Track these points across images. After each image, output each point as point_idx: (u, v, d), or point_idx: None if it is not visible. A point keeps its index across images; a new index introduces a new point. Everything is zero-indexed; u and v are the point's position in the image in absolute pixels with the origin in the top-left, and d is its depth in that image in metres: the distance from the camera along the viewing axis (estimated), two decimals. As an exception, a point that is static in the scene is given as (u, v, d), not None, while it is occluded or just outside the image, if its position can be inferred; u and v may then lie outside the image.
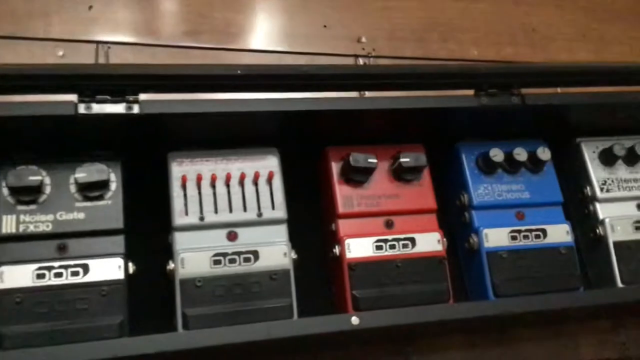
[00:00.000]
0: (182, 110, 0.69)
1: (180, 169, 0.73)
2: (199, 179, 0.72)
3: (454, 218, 0.85)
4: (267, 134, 0.79)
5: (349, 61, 0.96)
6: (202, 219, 0.72)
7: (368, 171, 0.78)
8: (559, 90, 0.94)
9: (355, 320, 0.65)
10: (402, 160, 0.79)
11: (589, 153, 0.88)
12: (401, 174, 0.80)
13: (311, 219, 0.81)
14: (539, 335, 0.85)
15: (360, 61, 0.96)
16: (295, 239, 0.75)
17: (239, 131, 0.77)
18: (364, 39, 0.98)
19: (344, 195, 0.78)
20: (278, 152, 0.77)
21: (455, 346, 0.83)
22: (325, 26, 0.97)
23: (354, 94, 0.86)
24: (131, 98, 0.66)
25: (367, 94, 0.87)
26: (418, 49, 0.99)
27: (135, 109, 0.66)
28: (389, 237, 0.77)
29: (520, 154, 0.82)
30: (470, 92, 0.78)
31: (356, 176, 0.78)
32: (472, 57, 1.01)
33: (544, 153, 0.83)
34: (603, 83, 0.85)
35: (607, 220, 0.84)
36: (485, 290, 0.78)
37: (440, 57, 0.99)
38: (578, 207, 0.89)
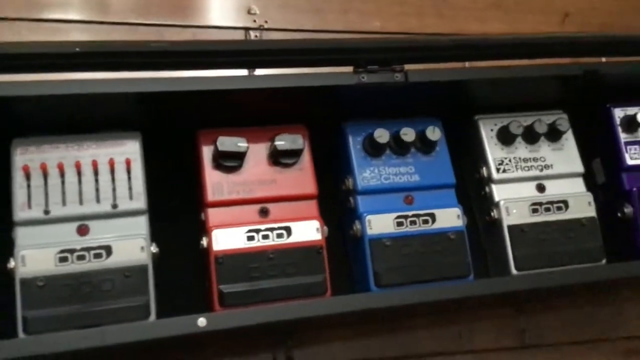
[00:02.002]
0: (17, 93, 0.62)
1: (24, 158, 0.67)
2: (43, 168, 0.66)
3: (342, 204, 0.80)
4: (130, 117, 0.73)
5: (239, 34, 0.89)
6: (47, 212, 0.65)
7: (238, 156, 0.72)
8: (467, 64, 0.89)
9: (202, 322, 0.60)
10: (277, 143, 0.73)
11: (487, 131, 0.83)
12: (278, 158, 0.74)
13: (187, 209, 0.75)
14: (431, 323, 0.81)
15: (252, 34, 0.90)
16: (167, 231, 0.71)
17: (97, 115, 0.71)
18: (255, 9, 0.91)
19: (213, 182, 0.72)
20: (141, 137, 0.71)
21: (340, 337, 0.79)
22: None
23: (241, 72, 0.80)
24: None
25: (258, 71, 0.81)
26: (314, 20, 0.93)
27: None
28: (262, 227, 0.71)
29: (408, 134, 0.77)
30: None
31: (226, 161, 0.72)
32: (373, 30, 0.95)
33: (434, 133, 0.78)
34: (506, 56, 0.81)
35: (501, 203, 0.80)
36: (368, 281, 0.74)
37: (338, 30, 0.93)
38: (476, 189, 0.85)
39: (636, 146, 0.85)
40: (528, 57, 0.81)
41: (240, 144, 0.71)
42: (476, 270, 0.81)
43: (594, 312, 0.87)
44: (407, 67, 0.73)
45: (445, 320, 0.82)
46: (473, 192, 0.86)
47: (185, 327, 0.60)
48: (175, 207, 0.76)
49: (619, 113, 0.86)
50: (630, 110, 0.85)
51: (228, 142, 0.71)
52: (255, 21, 0.90)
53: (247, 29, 0.90)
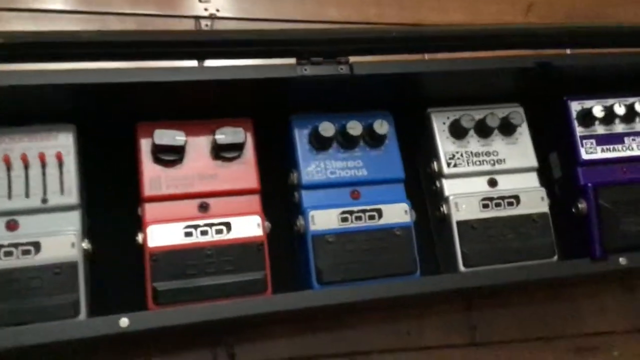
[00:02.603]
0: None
1: (-50, 151, 0.65)
2: (-31, 162, 0.64)
3: (288, 199, 0.78)
4: (66, 110, 0.71)
5: (189, 24, 0.87)
6: (-27, 207, 0.64)
7: (176, 149, 0.70)
8: (426, 57, 0.87)
9: (124, 322, 0.59)
10: (217, 137, 0.71)
11: (439, 125, 0.82)
12: (219, 152, 0.72)
13: (127, 204, 0.74)
14: (378, 319, 0.80)
15: (202, 24, 0.88)
16: (106, 227, 0.71)
17: (33, 107, 0.69)
18: (206, -3, 0.89)
19: (151, 176, 0.70)
20: (75, 130, 0.69)
21: (285, 333, 0.77)
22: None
23: (189, 63, 0.78)
24: None
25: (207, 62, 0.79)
26: (269, 9, 0.91)
27: None
28: (201, 222, 0.70)
29: (355, 128, 0.75)
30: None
31: (164, 155, 0.70)
32: (330, 19, 0.92)
33: (382, 126, 0.76)
34: (460, 48, 0.79)
35: (451, 198, 0.78)
36: (310, 278, 0.72)
37: (293, 19, 0.90)
38: (428, 184, 0.83)
39: (592, 140, 0.83)
40: (485, 49, 0.79)
41: (178, 137, 0.69)
42: (427, 266, 0.80)
43: (548, 309, 0.86)
44: (356, 59, 0.72)
45: (393, 317, 0.81)
46: (425, 187, 0.84)
47: (107, 328, 0.59)
48: (116, 201, 0.74)
49: (575, 106, 0.84)
50: (587, 104, 0.84)
51: (165, 136, 0.69)
52: (206, 9, 0.88)
53: (197, 18, 0.88)
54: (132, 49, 0.67)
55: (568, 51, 0.90)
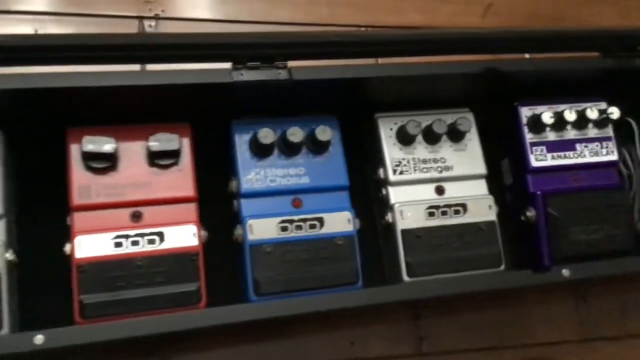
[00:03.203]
0: None
1: None
2: None
3: (228, 207, 0.76)
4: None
5: (132, 25, 0.84)
6: None
7: (106, 157, 0.68)
8: (379, 61, 0.85)
9: (39, 339, 0.56)
10: (150, 144, 0.69)
11: (386, 131, 0.80)
12: (154, 159, 0.70)
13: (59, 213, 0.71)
14: (321, 329, 0.78)
15: (146, 24, 0.85)
16: (36, 237, 0.69)
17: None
18: (151, -4, 0.86)
19: (80, 184, 0.68)
20: (2, 137, 0.67)
21: (223, 344, 0.75)
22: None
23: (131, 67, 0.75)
24: None
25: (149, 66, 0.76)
26: (216, 9, 0.88)
27: None
28: (132, 232, 0.67)
29: (295, 135, 0.73)
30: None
31: (94, 162, 0.68)
32: (280, 20, 0.90)
33: (324, 133, 0.74)
34: (408, 53, 0.77)
35: (396, 206, 0.77)
36: (247, 289, 0.70)
37: (241, 20, 0.88)
38: (375, 191, 0.81)
39: (542, 147, 0.82)
40: (433, 54, 0.77)
41: (108, 144, 0.67)
42: (376, 276, 0.78)
43: (498, 318, 0.85)
44: (298, 63, 0.70)
45: (336, 327, 0.79)
46: (373, 194, 0.82)
47: (21, 345, 0.56)
48: (47, 211, 0.71)
49: (526, 112, 0.82)
50: (538, 110, 0.82)
51: (93, 142, 0.66)
52: (150, 10, 0.85)
53: (141, 18, 0.85)
54: (65, 53, 0.64)
55: (527, 55, 0.89)
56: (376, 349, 0.80)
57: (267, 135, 0.72)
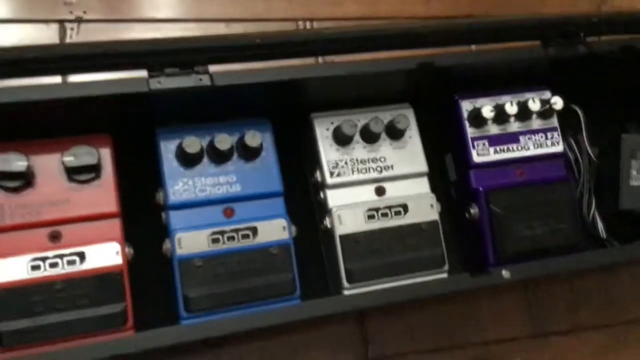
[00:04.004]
0: None
1: None
2: None
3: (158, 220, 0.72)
4: None
5: (52, 30, 0.80)
6: None
7: (19, 175, 0.64)
8: (320, 60, 0.82)
9: None
10: (65, 159, 0.65)
11: (322, 131, 0.76)
12: (72, 175, 0.66)
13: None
14: (258, 337, 0.75)
15: (68, 28, 0.80)
16: None
17: None
18: (71, -2, 0.81)
19: (-8, 205, 0.64)
20: None
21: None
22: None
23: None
24: None
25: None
26: (143, 9, 0.84)
27: None
28: (50, 254, 0.64)
29: (223, 142, 0.70)
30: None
31: (5, 182, 0.64)
32: (212, 17, 0.86)
33: (254, 138, 0.71)
34: (335, 51, 0.74)
35: (333, 210, 0.74)
36: (178, 306, 0.67)
37: (170, 18, 0.84)
38: (314, 196, 0.78)
39: (485, 141, 0.79)
40: (361, 52, 0.73)
41: (18, 162, 0.63)
42: (316, 283, 0.76)
43: (446, 318, 0.83)
44: (220, 67, 0.66)
45: (275, 335, 0.76)
46: (313, 198, 0.79)
47: None
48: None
49: (467, 106, 0.80)
50: (479, 103, 0.79)
51: (3, 161, 0.62)
52: (71, 12, 0.81)
53: (62, 22, 0.80)
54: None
55: (473, 47, 0.86)
56: (319, 357, 0.77)
57: (192, 144, 0.69)
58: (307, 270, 0.74)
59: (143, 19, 0.83)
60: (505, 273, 0.69)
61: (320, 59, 0.86)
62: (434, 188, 0.79)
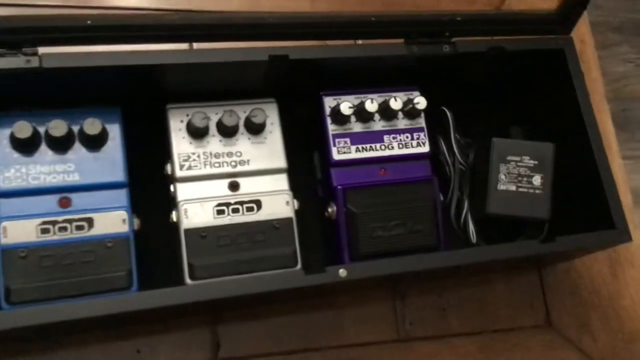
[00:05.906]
0: None
1: None
2: None
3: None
4: None
5: None
6: None
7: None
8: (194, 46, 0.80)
9: None
10: None
11: (176, 123, 0.74)
12: None
13: None
14: (100, 336, 0.72)
15: None
16: None
17: None
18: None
19: None
20: None
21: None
22: None
23: None
24: None
25: None
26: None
27: None
28: None
29: (57, 128, 0.67)
30: None
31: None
32: (127, 5, 0.83)
33: (93, 126, 0.68)
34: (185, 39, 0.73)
35: (180, 204, 0.71)
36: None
37: (56, 4, 0.81)
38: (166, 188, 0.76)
39: (347, 139, 0.77)
40: (213, 40, 0.72)
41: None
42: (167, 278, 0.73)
43: (306, 319, 0.80)
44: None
45: (121, 334, 0.73)
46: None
47: None
48: None
49: (330, 102, 0.78)
50: (342, 100, 0.78)
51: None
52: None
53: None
54: None
55: (360, 41, 0.85)
56: (166, 356, 0.74)
57: (23, 129, 0.66)
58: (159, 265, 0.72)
59: (31, 4, 0.80)
60: (342, 272, 0.66)
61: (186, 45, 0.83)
62: (299, 186, 0.77)
